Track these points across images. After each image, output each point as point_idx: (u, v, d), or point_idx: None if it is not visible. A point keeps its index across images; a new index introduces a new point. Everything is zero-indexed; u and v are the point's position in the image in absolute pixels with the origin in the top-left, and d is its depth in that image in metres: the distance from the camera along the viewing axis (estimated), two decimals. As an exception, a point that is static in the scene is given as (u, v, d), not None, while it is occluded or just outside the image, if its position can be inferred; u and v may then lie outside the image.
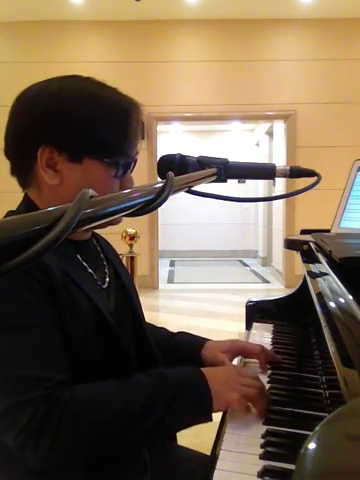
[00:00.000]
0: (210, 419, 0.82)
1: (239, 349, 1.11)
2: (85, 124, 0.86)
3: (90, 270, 0.93)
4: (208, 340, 1.12)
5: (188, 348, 1.11)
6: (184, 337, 1.15)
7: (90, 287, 0.88)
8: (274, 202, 7.28)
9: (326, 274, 0.98)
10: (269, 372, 1.07)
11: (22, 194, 0.94)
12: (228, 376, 0.87)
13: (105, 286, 0.96)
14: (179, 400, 0.81)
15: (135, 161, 0.94)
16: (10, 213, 0.90)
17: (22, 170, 0.90)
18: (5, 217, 0.65)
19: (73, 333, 0.82)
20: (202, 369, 0.87)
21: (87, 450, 0.79)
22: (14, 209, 0.92)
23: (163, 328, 1.20)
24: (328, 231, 1.52)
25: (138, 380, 0.83)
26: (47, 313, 0.80)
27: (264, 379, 1.03)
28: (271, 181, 0.90)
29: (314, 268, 1.17)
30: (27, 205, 0.90)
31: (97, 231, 1.05)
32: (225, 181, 0.82)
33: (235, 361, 1.11)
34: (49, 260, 0.81)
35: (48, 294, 0.80)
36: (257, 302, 1.51)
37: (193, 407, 0.82)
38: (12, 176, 0.92)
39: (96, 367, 0.86)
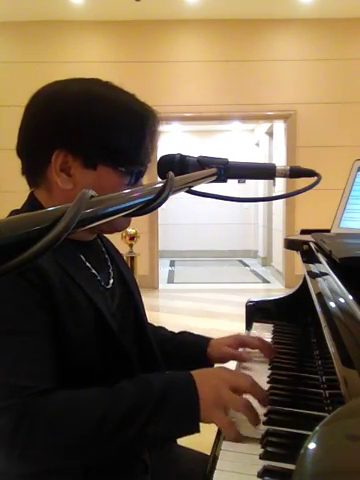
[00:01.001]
0: (197, 430, 0.78)
1: (241, 342, 1.14)
2: (102, 130, 0.85)
3: (94, 271, 0.93)
4: (211, 338, 1.14)
5: (193, 347, 1.12)
6: (188, 337, 1.16)
7: (91, 288, 0.88)
8: (274, 202, 7.29)
9: (326, 274, 0.98)
10: (269, 372, 1.07)
11: (26, 194, 0.93)
12: (218, 378, 0.82)
13: (109, 286, 0.96)
14: (163, 410, 0.78)
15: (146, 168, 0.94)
16: (14, 212, 0.89)
17: (33, 171, 0.89)
18: (9, 216, 0.65)
19: (73, 336, 0.81)
20: (192, 372, 0.83)
21: (62, 459, 0.77)
22: (18, 208, 0.92)
23: (162, 327, 1.21)
24: (328, 231, 1.52)
25: (121, 388, 0.80)
26: (40, 318, 0.78)
27: (264, 379, 1.03)
28: (271, 181, 0.89)
29: (314, 268, 1.17)
30: (32, 204, 0.90)
31: None
32: (225, 181, 0.82)
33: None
34: (47, 262, 0.80)
35: (44, 298, 0.79)
36: (257, 302, 1.51)
37: (178, 417, 0.79)
38: (22, 175, 0.91)
39: (96, 370, 0.85)
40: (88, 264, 0.92)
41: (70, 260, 0.87)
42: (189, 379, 0.81)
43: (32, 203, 0.90)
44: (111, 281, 0.97)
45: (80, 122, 0.85)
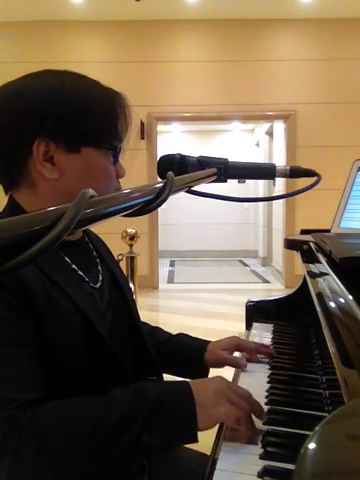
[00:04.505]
0: (195, 440, 0.76)
1: (236, 345, 1.14)
2: (80, 112, 0.84)
3: (80, 272, 0.90)
4: (209, 342, 1.13)
5: (191, 350, 1.11)
6: (185, 339, 1.15)
7: (77, 292, 0.85)
8: (274, 202, 7.28)
9: (326, 274, 0.98)
10: (269, 372, 1.07)
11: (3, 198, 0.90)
12: (218, 387, 0.80)
13: (98, 285, 0.94)
14: (158, 419, 0.75)
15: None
16: None
17: (12, 170, 0.86)
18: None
19: (58, 344, 0.79)
20: (191, 382, 0.81)
21: (53, 471, 0.73)
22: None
23: (158, 328, 1.20)
24: (328, 231, 1.53)
25: (112, 396, 0.77)
26: (23, 329, 0.76)
27: (264, 379, 1.03)
28: (271, 181, 0.89)
29: (314, 268, 1.17)
30: (13, 208, 0.87)
31: (91, 229, 1.03)
32: (225, 181, 0.82)
33: (236, 354, 1.15)
34: (29, 271, 0.78)
35: (26, 308, 0.77)
36: (257, 302, 1.51)
37: (174, 426, 0.76)
38: None
39: (85, 376, 0.83)
40: (74, 265, 0.90)
41: (53, 264, 0.84)
42: (186, 388, 0.79)
43: (12, 206, 0.87)
44: (100, 279, 0.95)
45: (56, 108, 0.83)
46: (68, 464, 0.73)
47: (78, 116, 0.84)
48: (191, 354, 1.11)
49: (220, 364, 1.10)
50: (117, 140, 0.88)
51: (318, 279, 1.04)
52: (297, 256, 1.46)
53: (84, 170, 0.85)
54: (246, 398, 0.81)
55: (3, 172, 0.87)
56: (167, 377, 1.07)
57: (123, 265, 3.96)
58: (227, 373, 1.08)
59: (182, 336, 1.16)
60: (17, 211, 0.86)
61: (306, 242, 1.40)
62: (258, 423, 0.81)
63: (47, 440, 0.73)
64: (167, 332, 1.18)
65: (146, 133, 6.13)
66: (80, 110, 0.84)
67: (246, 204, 9.76)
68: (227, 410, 0.77)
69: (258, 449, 0.74)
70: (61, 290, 0.82)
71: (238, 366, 1.09)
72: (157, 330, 1.18)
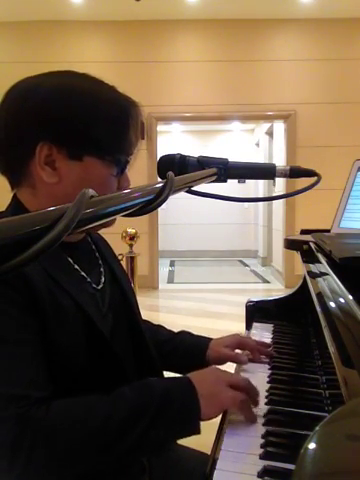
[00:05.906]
0: (198, 431, 0.78)
1: (239, 343, 1.15)
2: (86, 120, 0.83)
3: (83, 273, 0.91)
4: (211, 339, 1.14)
5: (193, 348, 1.12)
6: (187, 337, 1.16)
7: (79, 292, 0.85)
8: (274, 202, 7.28)
9: (326, 274, 0.98)
10: (269, 372, 1.07)
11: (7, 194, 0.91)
12: (215, 375, 0.85)
13: (100, 286, 0.94)
14: (164, 413, 0.77)
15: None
16: None
17: (15, 167, 0.86)
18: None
19: (60, 342, 0.80)
20: (190, 375, 0.84)
21: (65, 468, 0.75)
22: (2, 210, 0.90)
23: (161, 326, 1.20)
24: (328, 231, 1.53)
25: (120, 393, 0.79)
26: (28, 327, 0.77)
27: (264, 379, 1.03)
28: (271, 181, 0.89)
29: (314, 268, 1.17)
30: (16, 207, 0.87)
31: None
32: (225, 181, 0.82)
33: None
34: (32, 268, 0.78)
35: (30, 307, 0.77)
36: (257, 302, 1.51)
37: (179, 420, 0.78)
38: (2, 175, 0.88)
39: (86, 375, 0.83)
40: (77, 266, 0.90)
41: (56, 264, 0.85)
42: (188, 381, 0.81)
43: (15, 205, 0.88)
44: (102, 280, 0.95)
45: (63, 114, 0.82)
46: (79, 461, 0.75)
47: (82, 124, 0.83)
48: (193, 351, 1.11)
49: (221, 361, 1.10)
50: (123, 153, 0.87)
51: (318, 279, 1.04)
52: (297, 256, 1.46)
53: (83, 178, 0.84)
54: (244, 385, 0.85)
55: (6, 169, 0.88)
56: (168, 375, 1.07)
57: (123, 265, 3.95)
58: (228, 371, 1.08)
59: (184, 334, 1.17)
60: (19, 210, 0.86)
61: (306, 242, 1.40)
62: (259, 424, 0.82)
63: (60, 438, 0.73)
64: (169, 330, 1.19)
65: (146, 133, 6.12)
66: (85, 118, 0.83)
67: (246, 204, 9.76)
68: (232, 396, 0.81)
69: (258, 449, 0.74)
70: (63, 289, 0.82)
71: (239, 362, 1.10)
72: (160, 329, 1.19)
